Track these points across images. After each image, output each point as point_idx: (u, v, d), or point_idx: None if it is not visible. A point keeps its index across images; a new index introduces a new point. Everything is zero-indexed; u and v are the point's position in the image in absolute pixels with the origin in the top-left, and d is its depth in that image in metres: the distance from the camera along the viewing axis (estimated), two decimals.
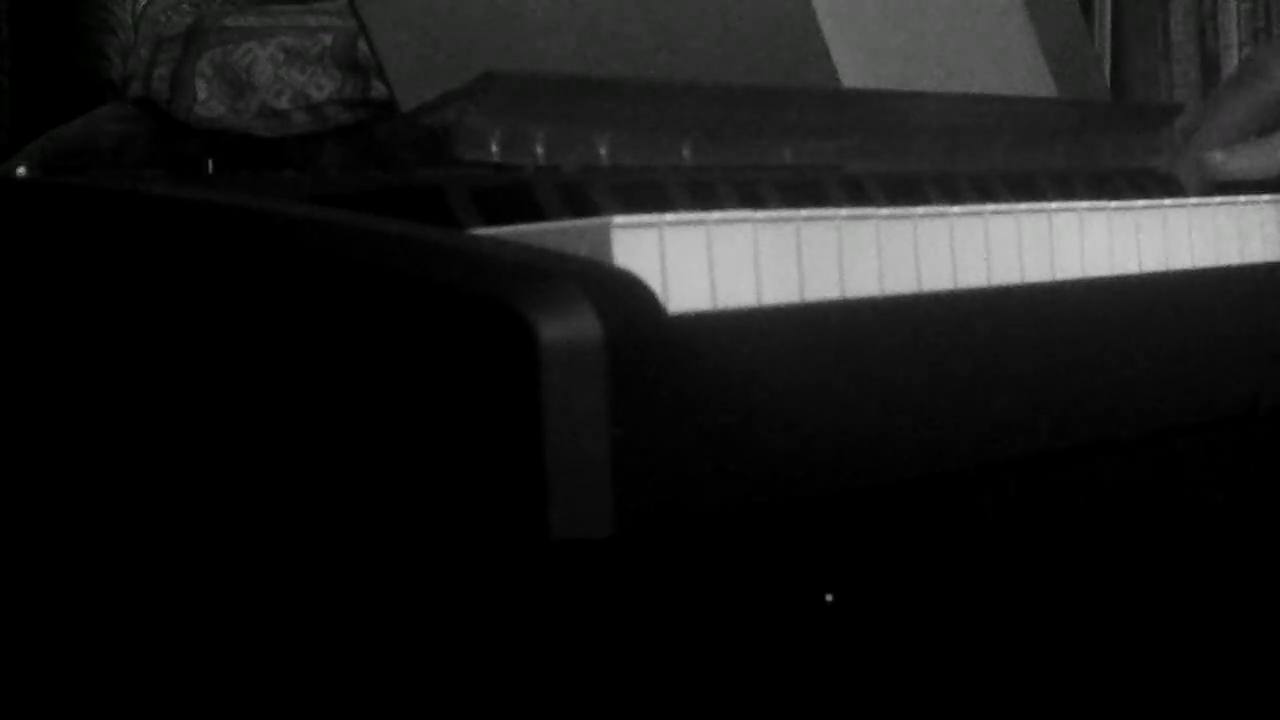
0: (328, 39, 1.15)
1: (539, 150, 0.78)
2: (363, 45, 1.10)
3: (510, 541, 0.55)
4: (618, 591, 0.62)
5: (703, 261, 0.61)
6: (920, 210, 0.70)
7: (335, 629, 0.62)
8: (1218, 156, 0.96)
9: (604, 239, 0.60)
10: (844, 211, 0.67)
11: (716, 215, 0.62)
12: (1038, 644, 0.84)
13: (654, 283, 0.58)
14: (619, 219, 0.60)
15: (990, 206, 0.73)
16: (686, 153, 0.84)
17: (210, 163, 0.99)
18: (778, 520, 0.62)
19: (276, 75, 1.13)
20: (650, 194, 0.74)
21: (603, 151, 0.80)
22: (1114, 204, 0.79)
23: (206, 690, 0.66)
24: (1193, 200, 0.84)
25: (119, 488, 0.65)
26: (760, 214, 0.63)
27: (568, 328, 0.54)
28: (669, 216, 0.61)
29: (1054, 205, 0.76)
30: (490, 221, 0.67)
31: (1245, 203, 0.85)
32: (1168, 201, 0.82)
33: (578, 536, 0.54)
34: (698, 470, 0.57)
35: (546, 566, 0.57)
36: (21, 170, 1.09)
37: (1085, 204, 0.78)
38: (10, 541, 0.70)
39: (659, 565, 0.62)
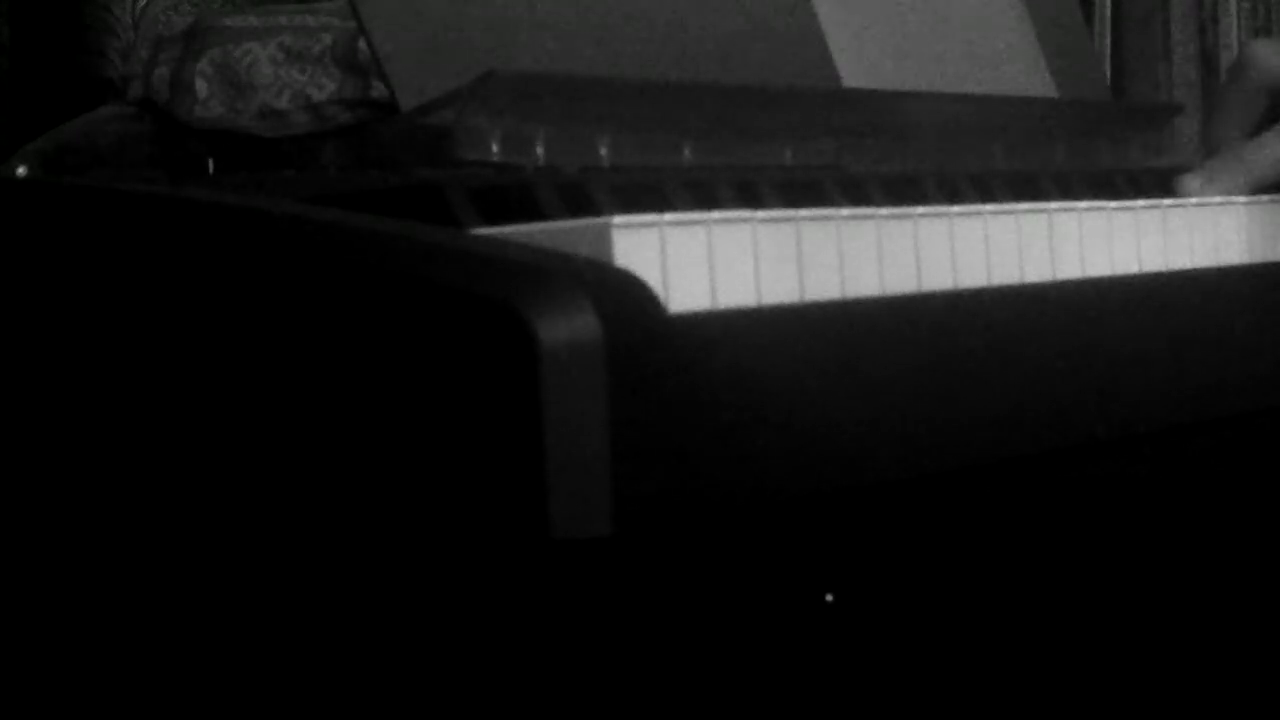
0: (328, 39, 1.15)
1: (539, 150, 0.78)
2: (363, 45, 1.10)
3: (510, 540, 0.55)
4: (618, 591, 0.62)
5: (703, 261, 0.61)
6: (920, 210, 0.70)
7: (336, 628, 0.63)
8: (1194, 184, 0.93)
9: (604, 239, 0.60)
10: (844, 211, 0.67)
11: (717, 215, 0.62)
12: (1039, 643, 0.84)
13: (654, 283, 0.58)
14: (619, 219, 0.60)
15: (990, 206, 0.73)
16: (686, 153, 0.84)
17: (211, 163, 0.99)
18: (778, 519, 0.62)
19: (276, 75, 1.13)
20: (650, 194, 0.74)
21: (603, 151, 0.80)
22: (1114, 204, 0.79)
23: (207, 687, 0.66)
24: (1193, 200, 0.84)
25: (121, 487, 0.65)
26: (760, 214, 0.63)
27: (568, 328, 0.54)
28: (669, 216, 0.61)
29: (1054, 205, 0.76)
30: (490, 221, 0.67)
31: (1245, 203, 0.85)
32: (1168, 201, 0.82)
33: (578, 536, 0.54)
34: (698, 470, 0.57)
35: (546, 565, 0.57)
36: (21, 170, 1.09)
37: (1085, 204, 0.78)
38: (11, 541, 0.70)
39: (659, 565, 0.62)
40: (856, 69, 0.99)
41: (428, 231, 0.60)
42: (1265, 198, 0.87)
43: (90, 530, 0.67)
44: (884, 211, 0.68)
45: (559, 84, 0.81)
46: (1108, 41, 1.74)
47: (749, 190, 0.78)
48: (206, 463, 0.62)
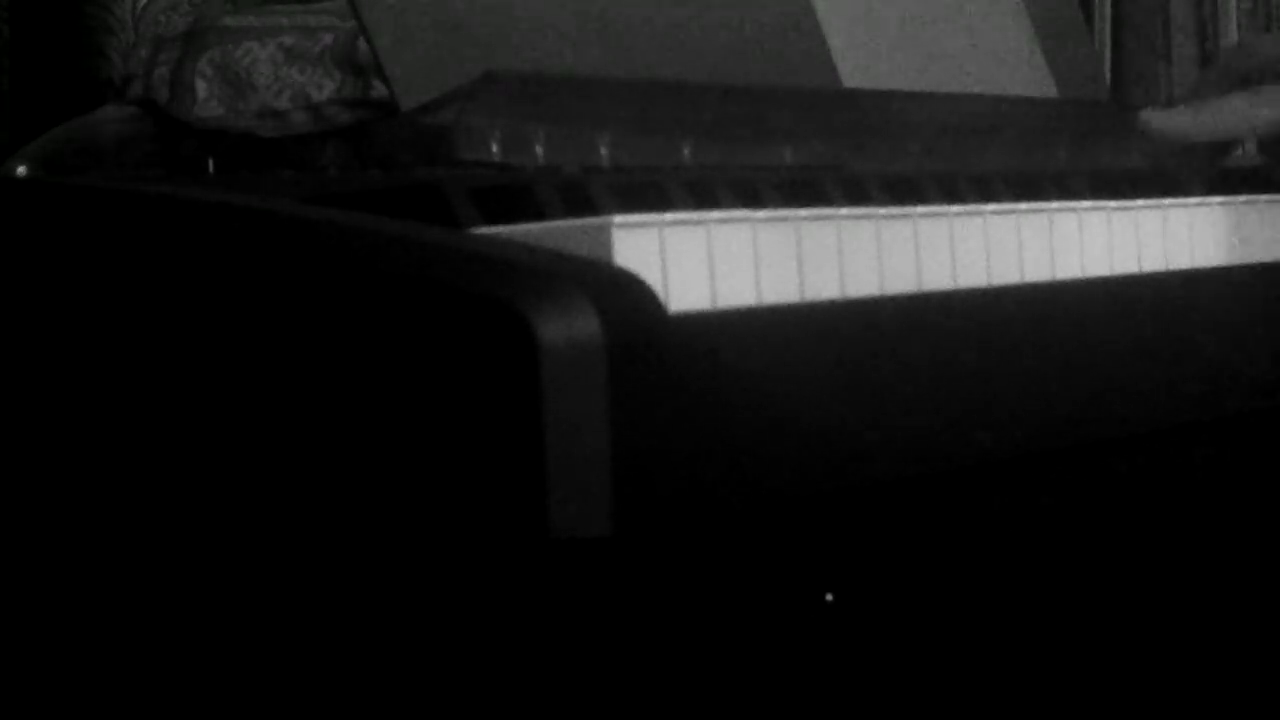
0: (328, 39, 1.15)
1: (539, 150, 0.78)
2: (363, 45, 1.10)
3: (510, 540, 0.55)
4: (617, 591, 0.62)
5: (703, 261, 0.61)
6: (920, 210, 0.70)
7: (335, 627, 0.63)
8: (1154, 117, 0.92)
9: (604, 239, 0.60)
10: (844, 211, 0.67)
11: (717, 215, 0.62)
12: (1039, 643, 0.84)
13: (654, 282, 0.58)
14: (619, 219, 0.60)
15: (990, 206, 0.73)
16: (686, 153, 0.84)
17: (210, 163, 0.99)
18: (778, 520, 0.62)
19: (276, 75, 1.13)
20: (650, 194, 0.74)
21: (603, 151, 0.80)
22: (1114, 204, 0.79)
23: (207, 688, 0.66)
24: (1193, 200, 0.84)
25: (120, 487, 0.65)
26: (760, 214, 0.63)
27: (568, 328, 0.54)
28: (669, 216, 0.61)
29: (1054, 205, 0.76)
30: (490, 221, 0.67)
31: (1244, 202, 0.85)
32: (1168, 201, 0.82)
33: (577, 536, 0.54)
34: (697, 470, 0.57)
35: (546, 565, 0.57)
36: (21, 170, 1.09)
37: (1085, 204, 0.78)
38: (10, 541, 0.70)
39: (659, 565, 0.62)
40: (856, 69, 0.99)
41: (428, 231, 0.60)
42: (1264, 197, 0.87)
43: (91, 531, 0.67)
44: (884, 211, 0.68)
45: (559, 84, 0.81)
46: (1108, 41, 1.74)
47: (749, 190, 0.78)
48: (206, 462, 0.62)
